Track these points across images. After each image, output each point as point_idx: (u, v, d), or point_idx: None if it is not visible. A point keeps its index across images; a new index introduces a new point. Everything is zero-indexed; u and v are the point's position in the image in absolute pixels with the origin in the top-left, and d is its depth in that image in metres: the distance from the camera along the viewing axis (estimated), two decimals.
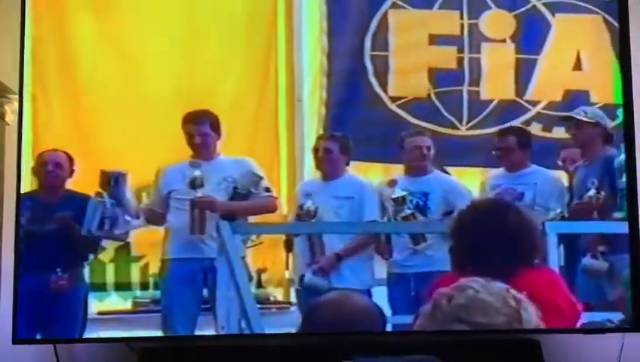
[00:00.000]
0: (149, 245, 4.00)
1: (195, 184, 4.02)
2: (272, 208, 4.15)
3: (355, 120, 4.29)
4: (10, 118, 3.11)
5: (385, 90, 4.27)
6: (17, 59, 3.02)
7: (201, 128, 4.05)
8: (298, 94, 4.30)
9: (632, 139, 3.89)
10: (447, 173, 4.28)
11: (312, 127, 4.29)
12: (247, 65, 4.19)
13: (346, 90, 4.27)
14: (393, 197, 4.10)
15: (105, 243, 3.82)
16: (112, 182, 3.87)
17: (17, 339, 2.95)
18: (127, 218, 3.89)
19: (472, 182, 4.29)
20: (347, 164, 4.27)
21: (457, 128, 4.28)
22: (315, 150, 4.24)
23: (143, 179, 4.06)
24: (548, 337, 3.23)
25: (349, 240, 4.18)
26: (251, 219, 4.16)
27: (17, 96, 3.05)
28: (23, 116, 3.01)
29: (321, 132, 4.30)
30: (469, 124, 4.29)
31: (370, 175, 4.28)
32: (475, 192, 4.26)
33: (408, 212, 4.09)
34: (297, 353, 3.17)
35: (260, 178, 4.08)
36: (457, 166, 4.32)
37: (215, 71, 4.09)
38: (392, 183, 4.13)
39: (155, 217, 4.08)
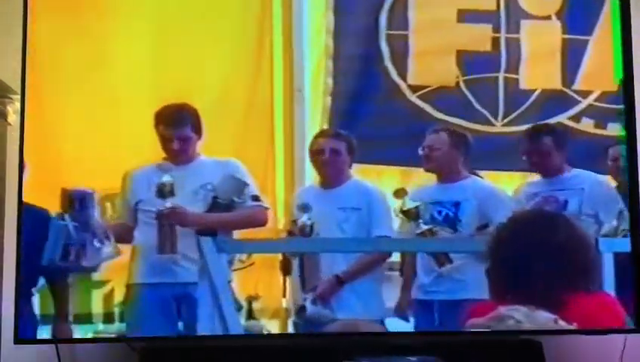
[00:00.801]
0: (115, 267, 3.50)
1: (163, 192, 3.51)
2: (260, 221, 3.63)
3: (367, 114, 3.80)
4: (13, 118, 3.16)
5: (404, 78, 3.79)
6: (20, 59, 3.06)
7: (181, 132, 3.59)
8: (298, 83, 3.82)
9: None
10: (481, 177, 3.83)
11: (314, 123, 3.80)
12: (236, 49, 3.74)
13: (357, 78, 3.81)
14: (404, 209, 3.62)
15: (71, 278, 3.38)
16: (77, 203, 3.40)
17: (19, 339, 2.98)
18: (97, 244, 3.40)
19: (507, 189, 3.83)
20: (350, 167, 3.78)
21: (491, 124, 3.81)
22: (317, 151, 3.75)
23: (108, 185, 3.55)
24: (549, 338, 3.14)
25: (353, 259, 3.71)
26: (239, 234, 3.67)
27: (19, 97, 3.08)
28: (25, 116, 3.05)
29: (325, 128, 3.82)
30: (506, 120, 3.82)
31: (385, 180, 3.80)
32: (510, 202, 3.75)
33: (424, 228, 3.60)
34: (298, 353, 3.10)
35: (246, 184, 3.57)
36: (491, 170, 3.82)
37: (195, 55, 3.65)
38: (401, 193, 3.64)
39: (123, 232, 3.58)
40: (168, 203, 3.53)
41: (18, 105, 3.08)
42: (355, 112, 3.81)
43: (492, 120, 3.81)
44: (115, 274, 3.50)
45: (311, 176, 3.79)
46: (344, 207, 3.70)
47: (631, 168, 3.56)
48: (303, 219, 3.59)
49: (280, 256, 3.68)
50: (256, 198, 3.61)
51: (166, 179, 3.51)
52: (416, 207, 3.64)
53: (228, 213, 3.56)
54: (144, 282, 3.53)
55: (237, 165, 3.63)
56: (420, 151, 3.68)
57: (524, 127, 3.77)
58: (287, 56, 3.78)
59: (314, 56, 3.83)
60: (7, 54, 3.18)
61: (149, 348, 3.05)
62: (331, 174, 3.73)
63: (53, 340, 3.08)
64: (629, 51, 3.61)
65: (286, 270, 3.69)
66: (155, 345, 3.09)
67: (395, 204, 3.66)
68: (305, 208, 3.62)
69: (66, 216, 3.34)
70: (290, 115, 3.79)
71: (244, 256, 3.57)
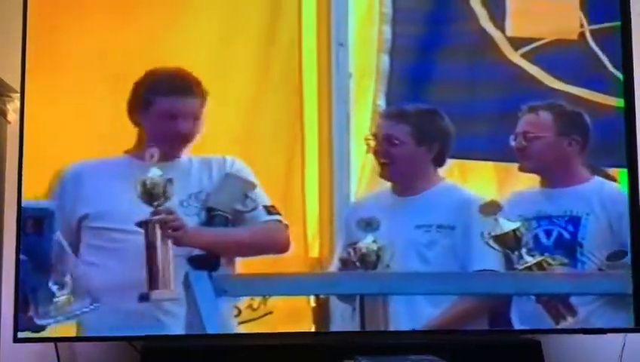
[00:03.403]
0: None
1: (151, 193, 2.89)
2: (279, 243, 3.05)
3: (444, 82, 3.19)
4: (12, 116, 3.20)
5: (501, 28, 3.21)
6: (19, 57, 3.06)
7: (189, 104, 3.01)
8: (339, 34, 3.20)
9: None
10: (612, 178, 3.20)
11: (364, 94, 3.18)
12: None
13: (427, 27, 3.22)
14: (494, 234, 3.00)
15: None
16: (30, 225, 2.99)
17: (18, 338, 2.96)
18: (53, 287, 2.95)
19: None
20: (440, 164, 3.11)
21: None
22: (367, 138, 3.14)
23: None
24: (548, 337, 3.09)
25: (443, 306, 3.11)
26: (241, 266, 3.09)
27: (19, 95, 3.08)
28: (24, 114, 3.03)
29: (379, 103, 3.19)
30: None
31: (473, 182, 3.18)
32: None
33: (530, 261, 2.98)
34: (299, 352, 2.95)
35: (252, 185, 3.02)
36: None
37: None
38: (492, 208, 3.03)
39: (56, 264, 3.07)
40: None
41: (18, 103, 3.13)
42: (425, 78, 3.21)
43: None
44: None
45: (363, 178, 3.17)
46: (427, 225, 3.12)
47: (631, 167, 3.19)
48: (367, 241, 3.00)
49: (312, 302, 3.09)
50: (271, 209, 3.06)
51: (155, 173, 2.92)
52: (515, 231, 3.01)
53: (236, 230, 3.01)
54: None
55: (237, 164, 3.10)
56: (512, 142, 3.11)
57: None
58: None
59: None
60: (7, 53, 3.23)
61: (150, 346, 3.02)
62: (394, 174, 3.10)
63: (53, 339, 3.05)
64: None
65: (321, 322, 3.08)
66: (156, 344, 3.03)
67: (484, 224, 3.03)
68: (370, 225, 3.03)
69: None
70: (328, 82, 3.18)
71: (255, 301, 3.02)
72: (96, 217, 3.00)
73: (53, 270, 2.96)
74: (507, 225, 3.02)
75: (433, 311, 3.08)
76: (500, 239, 3.01)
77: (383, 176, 3.10)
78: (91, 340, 3.13)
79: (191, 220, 2.99)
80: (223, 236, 3.02)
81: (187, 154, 3.06)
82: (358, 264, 2.99)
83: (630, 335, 3.14)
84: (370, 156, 3.11)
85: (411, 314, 3.08)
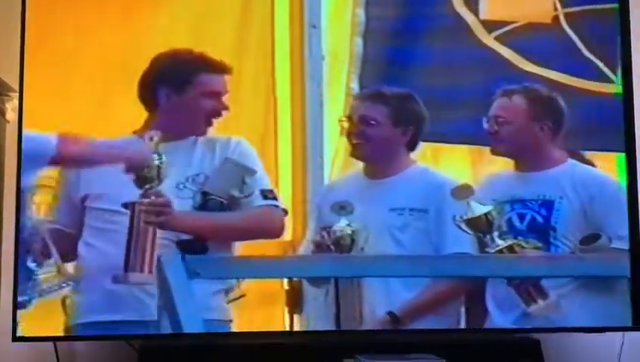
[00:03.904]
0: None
1: (146, 176, 2.90)
2: (273, 228, 3.05)
3: (418, 65, 3.20)
4: (11, 115, 3.21)
5: (474, 11, 3.24)
6: (18, 56, 3.08)
7: (225, 82, 3.03)
8: (311, 16, 3.22)
9: None
10: (588, 162, 3.19)
11: (337, 76, 3.21)
12: None
13: (402, 10, 3.25)
14: (466, 217, 2.99)
15: None
16: None
17: (17, 337, 2.98)
18: (31, 264, 3.01)
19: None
20: (413, 148, 3.11)
21: (608, 80, 3.20)
22: (342, 120, 3.13)
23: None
24: (548, 336, 3.11)
25: (417, 289, 3.08)
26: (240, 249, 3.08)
27: (18, 94, 3.10)
28: (23, 114, 3.06)
29: (352, 86, 3.23)
30: None
31: (446, 165, 3.20)
32: None
33: (502, 244, 2.97)
34: (299, 351, 2.98)
35: (251, 172, 3.00)
36: (603, 150, 3.19)
37: None
38: (464, 192, 3.01)
39: (62, 244, 3.01)
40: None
41: (16, 102, 3.14)
42: (399, 62, 3.23)
43: (609, 74, 3.24)
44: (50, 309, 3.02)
45: (337, 160, 3.17)
46: (400, 208, 3.10)
47: (630, 167, 3.18)
48: (341, 224, 2.99)
49: (285, 285, 3.07)
50: (268, 194, 3.03)
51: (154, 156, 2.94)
52: (487, 215, 2.99)
53: (228, 214, 2.99)
54: (91, 321, 3.00)
55: (242, 145, 3.08)
56: (485, 125, 3.10)
57: None
58: None
59: None
60: (5, 52, 3.24)
61: (148, 345, 3.04)
62: (371, 156, 3.10)
63: (52, 338, 3.07)
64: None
65: (294, 306, 3.07)
66: (154, 343, 3.05)
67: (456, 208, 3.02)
68: (344, 208, 3.02)
69: None
70: (301, 65, 3.20)
71: (233, 285, 3.01)
72: (96, 198, 3.00)
73: (31, 249, 2.99)
74: (479, 209, 3.01)
75: (407, 294, 3.07)
76: (471, 223, 3.00)
77: (355, 155, 3.10)
78: (90, 339, 3.14)
79: (185, 203, 2.98)
80: (211, 221, 3.01)
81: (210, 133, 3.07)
82: (332, 247, 2.99)
83: (629, 333, 3.15)
84: (344, 139, 3.09)
85: (385, 296, 3.07)
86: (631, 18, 3.28)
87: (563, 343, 3.25)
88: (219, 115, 3.05)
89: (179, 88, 3.03)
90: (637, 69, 3.30)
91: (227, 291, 3.00)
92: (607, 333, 3.11)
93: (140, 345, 3.07)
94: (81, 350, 3.29)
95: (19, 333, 2.99)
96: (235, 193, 3.01)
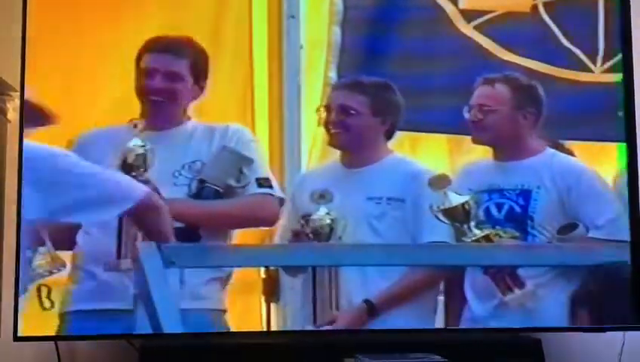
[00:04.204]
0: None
1: (131, 164, 2.89)
2: (267, 215, 3.03)
3: (396, 54, 3.18)
4: (12, 115, 3.20)
5: (454, 1, 3.24)
6: (19, 56, 3.07)
7: (172, 64, 2.99)
8: (289, 7, 3.22)
9: None
10: (567, 152, 3.18)
11: (315, 66, 3.20)
12: None
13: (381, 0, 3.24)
14: (443, 207, 2.98)
15: None
16: None
17: (18, 337, 2.99)
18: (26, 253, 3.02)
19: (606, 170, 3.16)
20: (389, 137, 3.10)
21: (586, 70, 3.20)
22: (321, 109, 3.11)
23: None
24: (549, 335, 3.13)
25: (393, 278, 3.07)
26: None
27: (19, 94, 3.10)
28: (24, 113, 3.06)
29: (330, 75, 3.21)
30: (607, 64, 3.21)
31: (424, 154, 3.18)
32: None
33: (479, 234, 2.98)
34: (300, 351, 2.98)
35: (248, 161, 2.99)
36: (581, 140, 3.17)
37: None
38: (441, 182, 3.00)
39: (60, 233, 2.99)
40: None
41: (17, 102, 3.14)
42: (377, 51, 3.21)
43: (588, 63, 3.22)
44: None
45: (315, 149, 3.16)
46: (377, 197, 3.09)
47: (631, 166, 3.17)
48: (320, 213, 2.97)
49: (262, 273, 3.06)
50: (263, 182, 3.00)
51: (136, 143, 2.91)
52: (464, 205, 2.98)
53: (220, 202, 2.97)
54: (83, 309, 3.00)
55: (241, 132, 3.06)
56: (466, 114, 3.08)
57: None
58: None
59: None
60: (7, 51, 3.22)
61: (148, 345, 3.03)
62: (348, 145, 3.08)
63: (53, 337, 3.08)
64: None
65: (271, 295, 3.07)
66: (155, 343, 3.03)
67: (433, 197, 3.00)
68: (323, 197, 2.99)
69: None
70: (279, 54, 3.19)
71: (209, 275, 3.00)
72: None
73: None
74: (456, 199, 3.00)
75: (384, 282, 3.05)
76: (448, 213, 2.99)
77: (333, 144, 3.08)
78: (91, 338, 3.13)
79: (180, 190, 2.97)
80: (203, 208, 2.99)
81: (189, 120, 3.03)
82: (311, 236, 2.98)
83: (630, 332, 3.17)
84: (322, 129, 3.08)
85: (362, 285, 3.05)
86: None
87: (564, 342, 3.25)
88: (170, 98, 2.99)
89: (147, 75, 3.02)
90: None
91: (223, 280, 2.98)
92: (608, 333, 3.12)
93: (140, 344, 3.06)
94: (82, 349, 3.29)
95: (19, 333, 2.99)
96: (232, 182, 3.00)
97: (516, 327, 2.98)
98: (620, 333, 3.20)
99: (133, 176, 2.86)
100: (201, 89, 3.02)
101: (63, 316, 3.01)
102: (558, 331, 3.12)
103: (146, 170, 2.91)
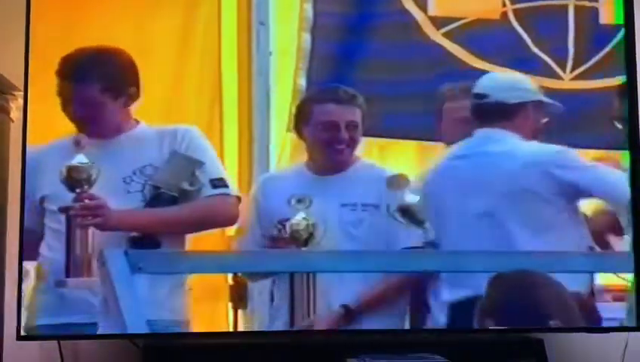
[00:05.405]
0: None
1: (75, 180, 2.85)
2: (225, 215, 3.01)
3: (366, 61, 3.19)
4: (16, 114, 3.15)
5: (423, 8, 3.23)
6: (22, 55, 3.05)
7: (83, 90, 2.95)
8: (259, 13, 3.21)
9: None
10: None
11: (284, 71, 3.19)
12: None
13: (350, 7, 3.22)
14: (399, 206, 2.99)
15: None
16: None
17: (21, 336, 2.98)
18: None
19: None
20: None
21: (556, 77, 3.23)
22: (326, 126, 3.05)
23: None
24: (551, 335, 3.17)
25: (369, 285, 3.08)
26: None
27: (22, 93, 3.06)
28: (27, 113, 3.02)
29: (300, 82, 3.19)
30: (577, 71, 3.25)
31: (393, 159, 3.20)
32: None
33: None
34: (301, 350, 3.01)
35: (199, 163, 2.95)
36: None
37: None
38: (398, 182, 3.02)
39: (27, 244, 2.99)
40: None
41: (21, 101, 3.09)
42: (347, 58, 3.21)
43: (557, 70, 3.24)
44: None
45: (283, 153, 3.13)
46: (352, 204, 3.08)
47: (632, 166, 3.20)
48: (298, 218, 2.94)
49: (230, 280, 3.03)
50: (217, 183, 2.96)
51: (79, 160, 2.85)
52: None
53: (173, 208, 2.94)
54: (46, 324, 2.98)
55: (190, 135, 3.01)
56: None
57: (604, 82, 3.21)
58: None
59: None
60: (10, 50, 3.18)
61: (152, 344, 3.03)
62: (347, 160, 3.09)
63: (56, 336, 3.05)
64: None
65: (239, 302, 3.03)
66: (158, 342, 3.06)
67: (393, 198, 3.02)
68: (302, 202, 2.97)
69: None
70: (248, 61, 3.19)
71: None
72: (50, 199, 2.97)
73: None
74: (412, 199, 3.00)
75: (361, 286, 3.04)
76: (405, 212, 3.00)
77: (334, 159, 3.04)
78: (93, 338, 3.09)
79: (134, 197, 2.93)
80: (155, 216, 2.96)
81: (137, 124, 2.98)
82: (289, 241, 2.97)
83: (633, 333, 3.19)
84: (290, 134, 3.06)
85: (339, 290, 3.04)
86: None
87: (567, 343, 3.26)
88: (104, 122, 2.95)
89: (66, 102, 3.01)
90: None
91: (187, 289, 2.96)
92: (612, 334, 3.13)
93: (143, 344, 3.04)
94: (85, 349, 3.25)
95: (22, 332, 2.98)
96: (186, 186, 2.96)
97: (518, 327, 2.96)
98: (622, 335, 3.20)
99: (77, 193, 2.83)
100: (132, 96, 2.98)
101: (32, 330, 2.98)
102: (561, 331, 3.11)
103: (90, 187, 2.86)
